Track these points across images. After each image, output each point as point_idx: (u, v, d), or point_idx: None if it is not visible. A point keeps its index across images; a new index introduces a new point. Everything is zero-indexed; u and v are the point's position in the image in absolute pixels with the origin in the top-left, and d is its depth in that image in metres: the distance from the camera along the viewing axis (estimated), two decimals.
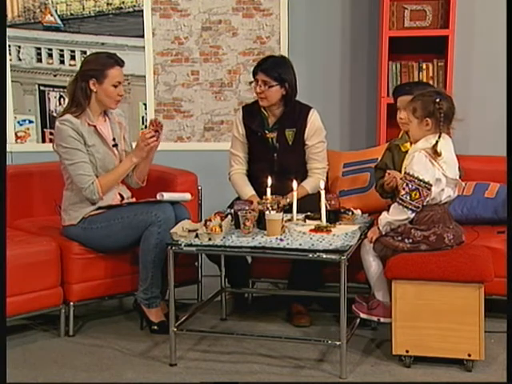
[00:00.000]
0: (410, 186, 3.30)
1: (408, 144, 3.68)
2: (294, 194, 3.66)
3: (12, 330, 3.76)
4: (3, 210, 3.30)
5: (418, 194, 3.30)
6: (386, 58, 4.72)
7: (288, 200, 3.87)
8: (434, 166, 3.30)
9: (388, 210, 3.42)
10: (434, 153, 3.30)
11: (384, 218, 3.41)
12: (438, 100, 3.33)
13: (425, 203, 3.33)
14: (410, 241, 3.37)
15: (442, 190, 3.35)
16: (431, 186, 3.30)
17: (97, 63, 3.79)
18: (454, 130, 3.43)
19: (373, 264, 3.50)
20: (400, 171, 3.62)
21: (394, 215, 3.37)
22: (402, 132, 3.78)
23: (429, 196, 3.32)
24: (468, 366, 3.32)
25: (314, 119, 4.07)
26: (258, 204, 3.72)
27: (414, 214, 3.34)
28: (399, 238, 3.38)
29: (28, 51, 5.06)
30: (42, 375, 3.35)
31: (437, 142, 3.30)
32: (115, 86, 3.79)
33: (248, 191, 4.08)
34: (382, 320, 3.51)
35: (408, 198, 3.31)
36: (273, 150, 4.08)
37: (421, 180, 3.29)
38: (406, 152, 3.67)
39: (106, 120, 3.92)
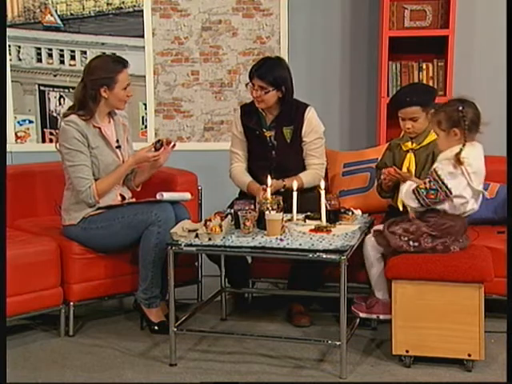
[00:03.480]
0: (432, 184, 3.26)
1: (409, 143, 3.68)
2: (294, 194, 3.65)
3: (12, 330, 3.77)
4: (3, 210, 3.30)
5: (435, 194, 3.27)
6: (386, 58, 4.72)
7: (284, 183, 3.90)
8: (464, 174, 3.25)
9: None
10: (457, 161, 3.23)
11: (402, 190, 3.38)
12: (461, 108, 3.28)
13: (437, 207, 3.31)
14: (416, 244, 3.36)
15: (467, 201, 3.31)
16: (451, 193, 3.26)
17: (106, 70, 3.78)
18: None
19: (374, 259, 3.48)
20: (400, 169, 3.62)
21: (405, 198, 3.35)
22: (402, 132, 3.78)
23: (445, 201, 3.29)
24: (468, 366, 3.32)
25: (310, 116, 4.08)
26: (260, 191, 3.78)
27: (420, 207, 3.31)
28: (405, 239, 3.36)
29: (28, 51, 5.06)
30: (42, 375, 3.35)
31: (461, 150, 3.25)
32: (124, 89, 3.80)
33: (246, 179, 4.10)
34: (381, 317, 3.52)
35: (424, 193, 3.28)
36: (271, 148, 4.09)
37: (444, 184, 3.25)
38: (407, 151, 3.67)
39: (111, 121, 3.92)
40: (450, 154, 3.28)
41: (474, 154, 3.29)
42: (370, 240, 3.49)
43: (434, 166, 3.31)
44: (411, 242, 3.36)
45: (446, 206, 3.32)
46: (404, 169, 3.64)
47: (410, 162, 3.66)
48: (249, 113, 4.14)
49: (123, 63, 3.83)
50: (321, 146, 4.12)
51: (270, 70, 3.98)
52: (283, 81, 4.00)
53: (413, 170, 3.64)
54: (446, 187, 3.26)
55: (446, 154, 3.31)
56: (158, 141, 3.83)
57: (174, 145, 3.89)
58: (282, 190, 3.89)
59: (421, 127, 3.65)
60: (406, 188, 3.36)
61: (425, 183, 3.29)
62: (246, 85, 4.07)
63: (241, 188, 4.15)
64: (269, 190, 3.67)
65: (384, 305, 3.49)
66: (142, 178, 4.01)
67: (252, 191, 4.00)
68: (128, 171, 3.91)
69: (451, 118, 3.29)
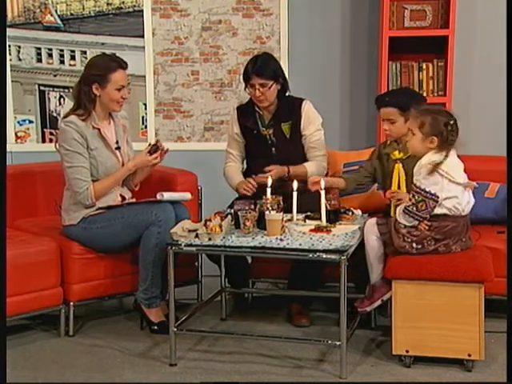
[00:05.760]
0: (417, 197, 3.29)
1: (397, 152, 3.66)
2: (294, 194, 3.65)
3: (12, 330, 3.76)
4: (3, 210, 3.30)
5: (424, 205, 3.28)
6: (386, 58, 4.72)
7: (288, 169, 3.90)
8: (443, 176, 3.27)
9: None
10: (434, 167, 3.26)
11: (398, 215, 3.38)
12: (452, 123, 3.30)
13: (432, 214, 3.31)
14: (419, 247, 3.35)
15: (458, 198, 3.31)
16: (438, 197, 3.27)
17: (100, 67, 3.78)
18: None
19: (374, 242, 3.45)
20: (390, 179, 3.63)
21: (401, 219, 3.36)
22: (389, 139, 3.76)
23: (436, 207, 3.29)
24: (468, 366, 3.32)
25: (307, 109, 4.09)
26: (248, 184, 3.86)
27: (418, 223, 3.33)
28: (409, 240, 3.36)
29: (28, 51, 5.06)
30: (41, 375, 3.35)
31: (441, 162, 3.27)
32: (118, 90, 3.79)
33: (236, 180, 4.10)
34: (385, 298, 3.50)
35: (414, 208, 3.30)
36: (270, 145, 4.09)
37: (427, 192, 3.27)
38: (396, 161, 3.66)
39: (111, 122, 3.92)
40: (423, 162, 3.31)
41: (449, 159, 3.32)
42: (374, 230, 3.46)
43: (413, 180, 3.34)
44: (414, 244, 3.35)
45: (444, 210, 3.32)
46: (394, 180, 3.64)
47: (399, 172, 3.65)
48: (246, 113, 4.14)
49: (119, 63, 3.81)
50: (320, 138, 4.12)
51: (265, 65, 3.99)
52: (279, 72, 4.03)
53: (403, 180, 3.63)
54: (431, 193, 3.27)
55: (420, 163, 3.33)
56: (154, 145, 3.83)
57: (167, 150, 3.87)
58: (286, 176, 3.87)
59: (398, 131, 3.63)
60: (398, 211, 3.38)
61: (410, 199, 3.32)
62: (245, 88, 4.06)
63: (230, 186, 4.15)
64: (268, 190, 3.66)
65: (380, 287, 3.48)
66: (141, 178, 4.01)
67: (240, 192, 3.99)
68: (126, 175, 3.91)
69: (437, 127, 3.29)
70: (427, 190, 3.27)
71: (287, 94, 4.10)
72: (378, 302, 3.54)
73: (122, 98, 3.83)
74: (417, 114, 3.36)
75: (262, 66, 3.97)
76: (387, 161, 3.73)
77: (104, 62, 3.83)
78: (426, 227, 3.33)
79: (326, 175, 4.20)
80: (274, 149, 4.09)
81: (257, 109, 4.09)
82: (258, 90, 3.98)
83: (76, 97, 3.83)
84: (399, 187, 3.62)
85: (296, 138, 4.09)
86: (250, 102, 4.12)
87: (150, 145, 3.85)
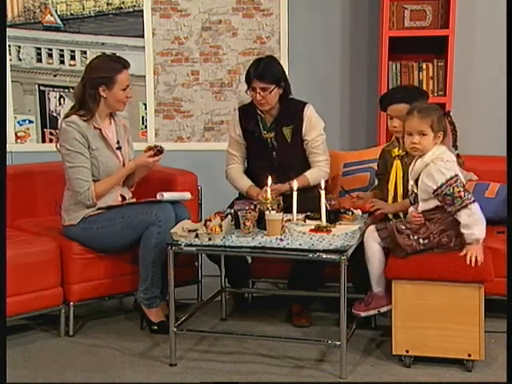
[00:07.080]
0: (453, 188, 3.25)
1: (396, 149, 3.67)
2: (294, 194, 3.65)
3: (12, 330, 3.77)
4: (3, 210, 3.30)
5: (461, 189, 3.25)
6: (386, 58, 4.72)
7: (290, 186, 3.87)
8: (454, 164, 3.32)
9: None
10: (462, 162, 3.35)
11: (476, 235, 3.29)
12: (452, 114, 3.37)
13: (436, 205, 3.32)
14: (426, 242, 3.35)
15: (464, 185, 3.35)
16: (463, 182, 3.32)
17: (105, 69, 3.79)
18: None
19: (375, 248, 3.44)
20: (389, 175, 3.65)
21: (476, 225, 3.29)
22: (393, 137, 3.77)
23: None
24: (468, 366, 3.32)
25: (309, 114, 4.07)
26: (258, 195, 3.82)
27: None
28: (415, 237, 3.35)
29: (28, 51, 5.06)
30: (41, 375, 3.35)
31: (458, 154, 3.36)
32: (124, 90, 3.80)
33: (245, 183, 4.09)
34: (382, 310, 3.50)
35: (461, 199, 3.24)
36: (271, 149, 4.08)
37: (450, 178, 3.25)
38: (395, 157, 3.66)
39: (112, 122, 3.92)
40: (428, 159, 3.31)
41: (448, 152, 3.37)
42: (374, 236, 3.46)
43: (451, 177, 3.27)
44: (421, 240, 3.34)
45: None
46: (392, 176, 3.65)
47: (397, 168, 3.66)
48: (247, 115, 4.12)
49: (123, 63, 3.83)
50: (322, 143, 4.11)
51: (267, 69, 3.97)
52: (281, 76, 4.01)
53: (400, 176, 3.63)
54: (452, 176, 3.26)
55: (423, 160, 3.33)
56: (156, 147, 3.84)
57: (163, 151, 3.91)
58: (289, 192, 3.86)
59: None
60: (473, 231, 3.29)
61: (459, 195, 3.24)
62: (246, 91, 4.05)
63: (239, 191, 4.15)
64: (269, 190, 3.67)
65: (380, 298, 3.47)
66: (141, 175, 4.01)
67: (251, 197, 3.99)
68: (127, 174, 3.91)
69: (441, 122, 3.35)
70: (449, 176, 3.25)
71: (289, 97, 4.09)
72: (374, 312, 3.53)
73: (127, 98, 3.84)
74: (422, 115, 3.34)
75: (263, 70, 3.96)
76: (389, 158, 3.74)
77: (108, 63, 3.84)
78: (419, 218, 3.34)
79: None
80: (274, 153, 4.08)
81: (258, 111, 4.08)
82: (259, 93, 3.96)
83: (79, 99, 3.82)
84: (396, 183, 3.64)
85: (297, 142, 4.08)
86: (251, 103, 4.10)
87: (154, 146, 3.86)
